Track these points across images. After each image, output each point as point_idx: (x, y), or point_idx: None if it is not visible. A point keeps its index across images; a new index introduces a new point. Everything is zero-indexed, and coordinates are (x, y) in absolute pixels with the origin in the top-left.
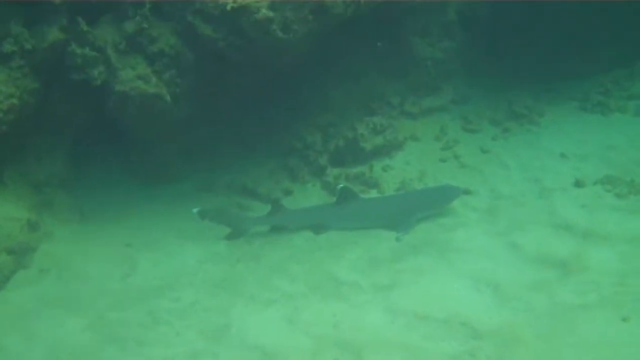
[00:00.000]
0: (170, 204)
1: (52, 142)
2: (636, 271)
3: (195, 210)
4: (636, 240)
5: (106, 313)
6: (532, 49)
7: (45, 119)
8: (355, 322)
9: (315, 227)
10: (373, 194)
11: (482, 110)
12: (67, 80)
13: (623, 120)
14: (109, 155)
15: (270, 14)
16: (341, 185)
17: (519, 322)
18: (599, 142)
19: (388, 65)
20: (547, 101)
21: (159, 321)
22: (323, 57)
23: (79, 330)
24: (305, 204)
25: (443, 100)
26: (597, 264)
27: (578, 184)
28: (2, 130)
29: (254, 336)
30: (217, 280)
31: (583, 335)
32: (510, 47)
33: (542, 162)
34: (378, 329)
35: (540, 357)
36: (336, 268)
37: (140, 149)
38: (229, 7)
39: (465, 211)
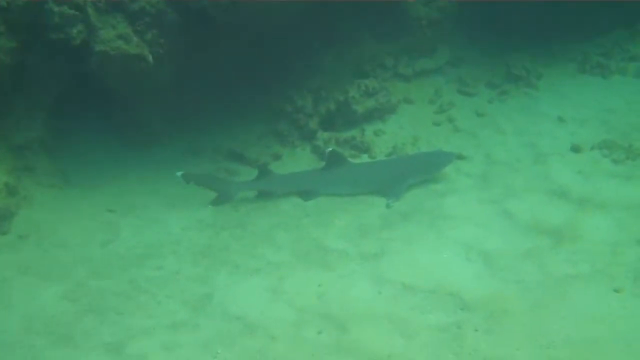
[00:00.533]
0: (156, 167)
1: (32, 104)
2: (630, 240)
3: (179, 173)
4: (632, 208)
5: (86, 281)
6: (531, 8)
7: (25, 79)
8: (341, 293)
9: (304, 193)
10: (364, 158)
11: (478, 72)
12: (46, 40)
13: (623, 82)
14: (93, 116)
15: None
16: (329, 149)
17: (508, 293)
18: (598, 106)
19: (381, 27)
20: (545, 63)
21: (139, 290)
22: (314, 20)
23: (57, 299)
24: (294, 168)
25: (438, 62)
26: (591, 233)
27: (575, 149)
28: None
29: (237, 307)
30: (201, 248)
31: (574, 306)
32: (509, 6)
33: (539, 127)
34: (364, 300)
35: (530, 329)
36: (324, 236)
37: (125, 111)
38: None
39: (458, 177)
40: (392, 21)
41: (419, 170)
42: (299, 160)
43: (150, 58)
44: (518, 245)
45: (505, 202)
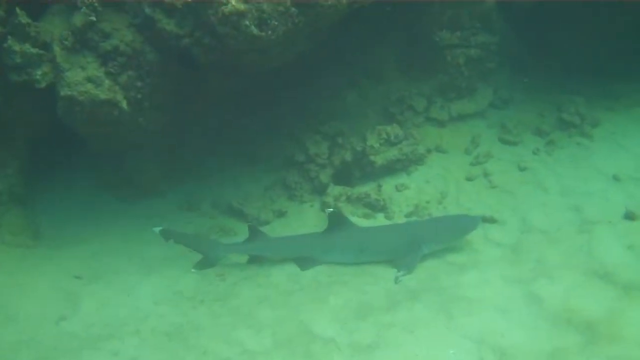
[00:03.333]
0: (144, 223)
1: (1, 152)
2: None
3: (157, 229)
4: None
5: None
6: (588, 43)
7: None
8: None
9: (301, 261)
10: (379, 219)
11: (524, 117)
12: (9, 82)
13: None
14: (78, 164)
15: (242, 6)
16: (330, 210)
17: None
18: None
19: (411, 63)
20: (604, 108)
21: None
22: (333, 54)
23: None
24: (299, 227)
25: (478, 104)
26: (636, 333)
27: (629, 216)
28: None
29: None
30: (169, 328)
31: None
32: (562, 41)
33: (589, 186)
34: None
35: None
36: (314, 317)
37: (114, 159)
38: None
39: (485, 246)
40: (423, 56)
41: (435, 238)
42: (305, 219)
43: (124, 104)
44: (542, 343)
45: (535, 283)
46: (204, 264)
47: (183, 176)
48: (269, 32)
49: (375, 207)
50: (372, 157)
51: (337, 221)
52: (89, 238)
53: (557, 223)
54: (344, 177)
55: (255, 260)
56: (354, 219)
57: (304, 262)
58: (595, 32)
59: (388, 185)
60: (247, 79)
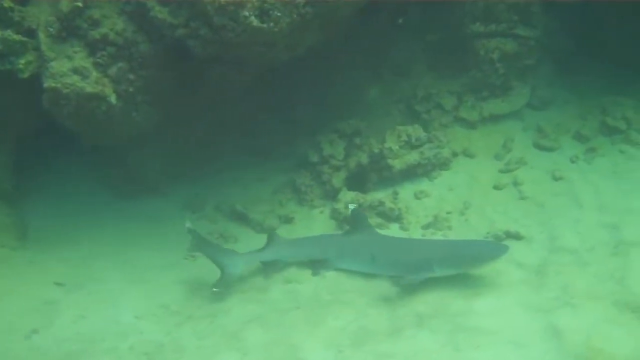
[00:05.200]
0: (143, 225)
1: None
2: None
3: (188, 224)
4: None
5: None
6: None
7: None
8: None
9: (315, 265)
10: (394, 230)
11: (565, 119)
12: None
13: None
14: (76, 160)
15: None
16: (353, 206)
17: None
18: None
19: (443, 59)
20: None
21: None
22: (355, 45)
23: None
24: (306, 234)
25: (513, 104)
26: None
27: None
28: None
29: None
30: (149, 347)
31: None
32: (615, 37)
33: (631, 202)
34: None
35: None
36: (308, 341)
37: (112, 154)
38: None
39: (507, 266)
40: (454, 51)
41: (451, 262)
42: (313, 226)
43: (113, 98)
44: None
45: (557, 313)
46: (225, 283)
47: (188, 174)
48: (271, 24)
49: (389, 216)
50: (390, 161)
51: (357, 222)
52: (80, 240)
53: (590, 243)
54: (359, 181)
55: (270, 266)
56: None
57: (317, 266)
58: None
59: (406, 191)
60: (257, 72)
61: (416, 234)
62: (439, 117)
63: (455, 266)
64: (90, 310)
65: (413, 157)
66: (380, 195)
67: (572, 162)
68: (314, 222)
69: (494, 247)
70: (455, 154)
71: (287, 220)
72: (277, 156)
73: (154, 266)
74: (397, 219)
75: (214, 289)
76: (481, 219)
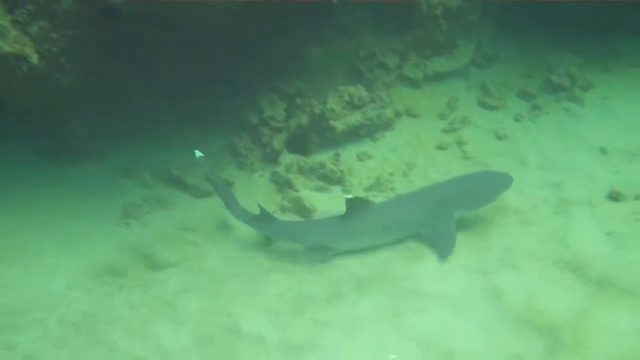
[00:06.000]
0: (73, 193)
1: None
2: None
3: (198, 153)
4: None
5: None
6: None
7: None
8: None
9: (316, 252)
10: (336, 192)
11: (510, 77)
12: None
13: None
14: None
15: None
16: (349, 196)
17: None
18: None
19: (384, 16)
20: (600, 68)
21: None
22: (298, 7)
23: None
24: (246, 199)
25: (458, 62)
26: (604, 339)
27: (613, 196)
28: None
29: None
30: (80, 317)
31: None
32: None
33: (573, 160)
34: None
35: None
36: (245, 310)
37: (47, 119)
38: None
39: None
40: (398, 8)
41: (466, 202)
42: (254, 190)
43: (34, 58)
44: (496, 349)
45: (499, 275)
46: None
47: (123, 140)
48: None
49: (331, 179)
50: (331, 122)
51: (356, 206)
52: (10, 209)
53: (533, 202)
54: (300, 143)
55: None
56: (306, 192)
57: (319, 253)
58: None
59: (349, 153)
60: (197, 33)
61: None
62: (383, 77)
63: (473, 205)
64: (19, 281)
65: (355, 117)
66: (322, 157)
67: (517, 120)
68: (255, 186)
69: (499, 176)
70: (398, 114)
71: (227, 184)
72: (216, 119)
73: (86, 235)
74: (339, 181)
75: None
76: (424, 180)
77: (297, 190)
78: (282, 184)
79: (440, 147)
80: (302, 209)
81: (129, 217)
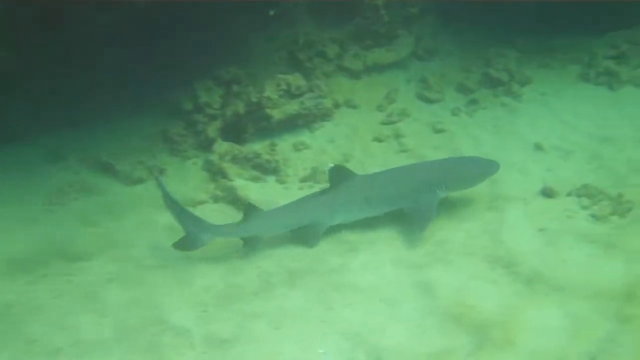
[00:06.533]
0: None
1: None
2: (580, 356)
3: (159, 177)
4: (599, 297)
5: None
6: None
7: None
8: None
9: (305, 234)
10: (270, 182)
11: (449, 71)
12: None
13: (636, 97)
14: None
15: None
16: (331, 165)
17: None
18: (594, 130)
19: (327, 6)
20: (537, 64)
21: None
22: None
23: None
24: (178, 187)
25: (398, 54)
26: (531, 336)
27: (546, 192)
28: None
29: None
30: None
31: None
32: None
33: (509, 155)
34: None
35: None
36: (171, 301)
37: None
38: None
39: (384, 221)
40: None
41: (452, 181)
42: (186, 178)
43: None
44: (424, 345)
45: (430, 270)
46: (186, 244)
47: (52, 123)
48: None
49: (266, 169)
50: (268, 111)
51: (339, 176)
52: None
53: (467, 197)
54: (236, 131)
55: (251, 245)
56: (240, 181)
57: (308, 234)
58: None
59: (285, 143)
60: (125, 13)
61: (294, 186)
62: (322, 66)
63: (457, 185)
64: None
65: (293, 107)
66: (258, 146)
67: (454, 114)
68: (187, 173)
69: (487, 162)
70: (337, 105)
71: (159, 171)
72: (150, 104)
73: (9, 219)
74: (274, 171)
75: (172, 247)
76: (361, 172)
77: (230, 180)
78: (216, 173)
79: (378, 139)
80: (235, 199)
81: (53, 203)
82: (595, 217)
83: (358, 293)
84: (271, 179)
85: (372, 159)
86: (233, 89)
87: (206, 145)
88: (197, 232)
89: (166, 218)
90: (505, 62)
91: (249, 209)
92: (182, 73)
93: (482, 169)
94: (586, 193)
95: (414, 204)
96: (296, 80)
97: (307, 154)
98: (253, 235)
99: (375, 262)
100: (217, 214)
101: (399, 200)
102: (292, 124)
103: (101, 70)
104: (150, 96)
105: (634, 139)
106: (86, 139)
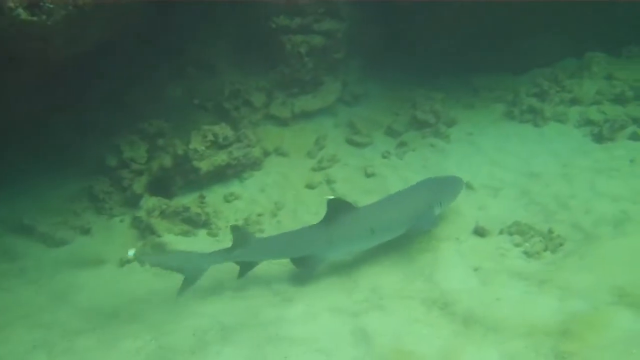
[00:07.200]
0: None
1: None
2: None
3: (131, 252)
4: (534, 335)
5: None
6: (454, 32)
7: None
8: None
9: (301, 264)
10: (201, 235)
11: (377, 114)
12: None
13: (560, 133)
14: None
15: None
16: (330, 197)
17: None
18: (521, 167)
19: (249, 55)
20: (462, 104)
21: None
22: (159, 43)
23: None
24: (104, 246)
25: (325, 100)
26: None
27: (479, 232)
28: None
29: None
30: None
31: None
32: (424, 29)
33: None
34: None
35: None
36: None
37: None
38: None
39: (318, 268)
40: (261, 46)
41: (444, 198)
42: (113, 237)
43: None
44: None
45: (366, 317)
46: (188, 285)
47: None
48: (44, 17)
49: (196, 222)
50: (195, 163)
51: (337, 208)
52: None
53: (399, 241)
54: (163, 185)
55: (247, 271)
56: (170, 237)
57: (305, 264)
58: (465, 20)
59: (215, 195)
60: (40, 69)
61: (226, 238)
62: (249, 115)
63: (448, 201)
64: None
65: (221, 157)
66: (186, 200)
67: (384, 157)
68: (115, 232)
69: (456, 179)
70: (267, 153)
71: (84, 231)
72: (72, 161)
73: None
74: (205, 224)
75: (178, 296)
76: (293, 220)
77: (160, 236)
78: (144, 229)
79: (310, 186)
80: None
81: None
82: (528, 254)
83: (294, 345)
84: (202, 232)
85: (305, 206)
86: (158, 143)
87: (133, 202)
88: (195, 267)
89: (91, 278)
90: (431, 104)
91: (236, 232)
92: (103, 128)
93: (457, 184)
94: (518, 230)
95: (416, 225)
96: (223, 130)
97: (238, 205)
98: (248, 260)
99: (311, 312)
100: (146, 273)
101: (403, 225)
102: (221, 174)
103: (19, 128)
104: (71, 153)
105: (560, 173)
106: (4, 201)
